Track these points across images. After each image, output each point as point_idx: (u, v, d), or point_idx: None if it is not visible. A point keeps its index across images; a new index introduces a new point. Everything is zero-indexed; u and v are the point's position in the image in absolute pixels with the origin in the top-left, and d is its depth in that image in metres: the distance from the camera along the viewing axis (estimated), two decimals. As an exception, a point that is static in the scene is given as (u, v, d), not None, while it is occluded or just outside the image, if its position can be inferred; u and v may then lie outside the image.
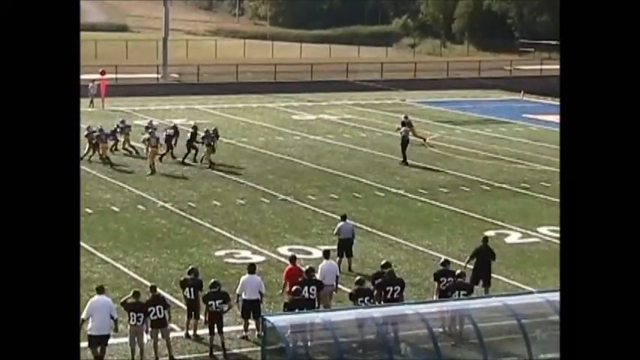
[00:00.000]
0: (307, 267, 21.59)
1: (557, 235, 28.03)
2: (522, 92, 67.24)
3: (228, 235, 29.41)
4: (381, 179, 37.83)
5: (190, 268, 21.60)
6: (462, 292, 20.57)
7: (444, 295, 21.00)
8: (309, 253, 27.09)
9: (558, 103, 46.90)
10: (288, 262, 22.87)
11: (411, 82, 74.80)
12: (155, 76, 73.10)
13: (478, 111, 59.30)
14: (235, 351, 20.43)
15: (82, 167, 36.37)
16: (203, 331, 20.65)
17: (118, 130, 42.52)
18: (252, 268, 21.37)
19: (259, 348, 19.07)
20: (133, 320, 19.36)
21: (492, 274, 23.61)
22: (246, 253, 27.32)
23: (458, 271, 21.41)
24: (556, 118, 50.71)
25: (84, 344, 18.77)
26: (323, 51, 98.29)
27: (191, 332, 21.04)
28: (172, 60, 76.10)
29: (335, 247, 25.88)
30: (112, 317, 19.28)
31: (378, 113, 57.04)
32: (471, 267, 23.50)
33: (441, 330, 19.28)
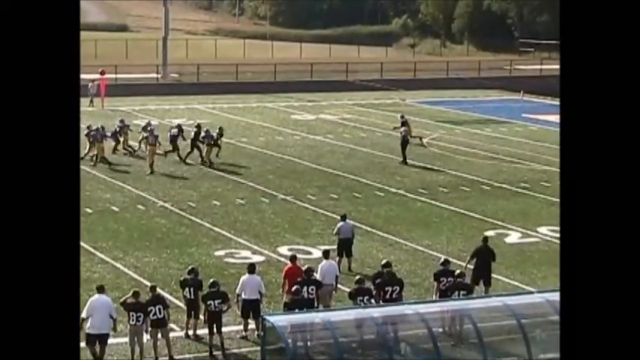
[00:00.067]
0: (306, 267, 21.59)
1: (557, 235, 28.02)
2: (522, 92, 67.24)
3: (228, 234, 29.42)
4: (381, 179, 37.83)
5: (190, 268, 21.60)
6: (461, 292, 20.57)
7: (444, 295, 21.00)
8: (309, 253, 27.09)
9: (558, 103, 46.95)
10: (288, 261, 22.87)
11: (411, 82, 74.79)
12: (155, 75, 73.10)
13: (478, 111, 59.30)
14: (235, 351, 20.43)
15: (82, 167, 36.37)
16: (203, 331, 20.65)
17: (117, 129, 42.52)
18: (251, 268, 21.38)
19: (259, 348, 19.06)
20: (133, 320, 19.35)
21: (492, 274, 23.61)
22: (246, 253, 27.32)
23: (458, 271, 21.40)
24: (556, 118, 50.72)
25: (84, 344, 18.78)
26: (323, 51, 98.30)
27: (191, 332, 21.04)
28: (172, 60, 76.10)
29: (335, 247, 25.88)
30: (111, 317, 19.29)
31: (378, 113, 57.04)
32: (471, 267, 23.50)
33: (440, 330, 19.27)
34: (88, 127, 40.40)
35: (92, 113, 51.96)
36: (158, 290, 20.91)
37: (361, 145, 45.62)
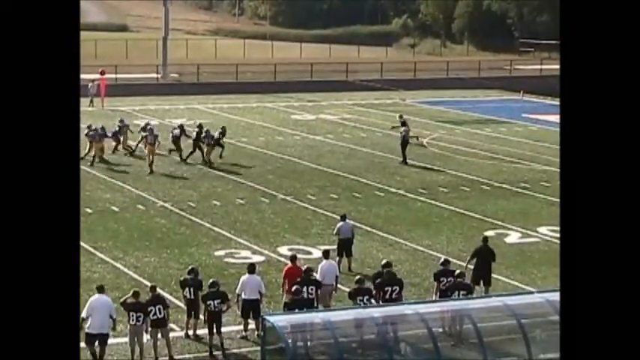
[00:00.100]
0: (305, 267, 21.60)
1: (557, 235, 28.02)
2: (522, 92, 67.24)
3: (228, 234, 29.42)
4: (381, 179, 37.83)
5: (190, 268, 21.60)
6: (461, 292, 20.56)
7: (444, 295, 21.00)
8: (309, 253, 27.09)
9: (558, 103, 46.95)
10: (288, 261, 22.87)
11: (411, 82, 74.79)
12: (155, 75, 73.10)
13: (478, 111, 59.30)
14: (235, 351, 20.43)
15: (82, 167, 36.37)
16: (203, 331, 20.66)
17: (117, 129, 42.54)
18: (251, 268, 21.38)
19: (259, 348, 19.06)
20: (133, 320, 19.35)
21: (492, 274, 23.60)
22: (246, 253, 27.33)
23: (457, 271, 21.40)
24: (556, 118, 50.72)
25: (84, 344, 18.79)
26: (323, 51, 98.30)
27: (191, 332, 21.04)
28: (172, 60, 76.09)
29: (335, 247, 25.88)
30: (111, 317, 19.29)
31: (378, 113, 57.03)
32: (471, 267, 23.50)
33: (440, 330, 19.27)
34: (89, 127, 40.40)
35: (92, 113, 51.96)
36: (158, 290, 20.92)
37: (361, 145, 45.62)
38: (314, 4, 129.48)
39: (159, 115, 54.86)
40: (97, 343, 19.17)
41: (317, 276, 21.85)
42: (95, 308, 19.18)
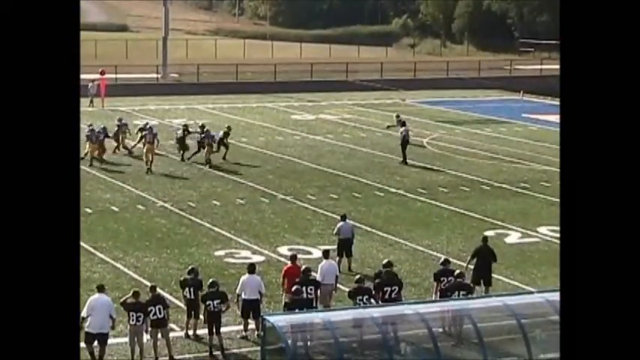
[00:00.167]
0: (304, 267, 21.61)
1: (557, 235, 28.02)
2: (522, 92, 67.23)
3: (228, 234, 29.42)
4: (381, 179, 37.83)
5: (190, 268, 21.60)
6: (461, 292, 20.56)
7: (444, 295, 21.00)
8: (309, 253, 27.09)
9: (558, 103, 46.95)
10: (288, 261, 22.87)
11: (411, 82, 74.79)
12: (155, 75, 73.10)
13: (478, 111, 59.31)
14: (235, 351, 20.43)
15: (82, 167, 36.37)
16: (203, 331, 20.65)
17: (115, 129, 42.54)
18: (251, 268, 21.38)
19: (259, 348, 19.06)
20: (133, 320, 19.35)
21: (492, 274, 23.60)
22: (246, 253, 27.33)
23: (457, 271, 21.40)
24: (556, 118, 50.72)
25: (83, 344, 18.79)
26: (323, 51, 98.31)
27: (191, 332, 21.04)
28: (172, 60, 76.09)
29: (335, 246, 25.89)
30: (110, 317, 19.29)
31: (378, 113, 57.01)
32: (472, 267, 23.50)
33: (441, 330, 19.27)
34: (90, 126, 40.38)
35: (92, 113, 51.96)
36: (158, 290, 20.91)
37: (361, 145, 45.62)
38: (314, 4, 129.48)
39: (159, 115, 54.87)
40: (96, 342, 19.17)
41: (317, 276, 21.87)
42: (95, 308, 19.18)
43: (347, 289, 21.81)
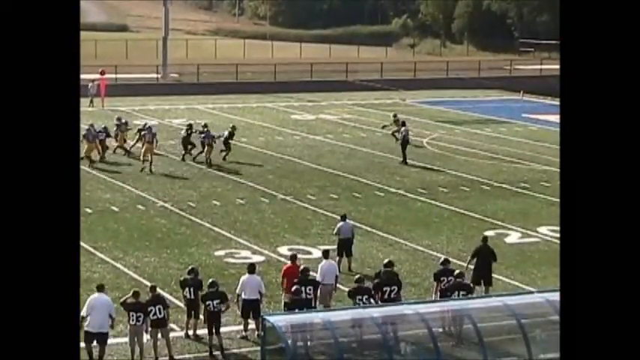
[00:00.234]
0: (302, 267, 21.62)
1: (557, 235, 28.02)
2: (522, 92, 67.24)
3: (228, 234, 29.42)
4: (381, 179, 37.83)
5: (190, 268, 21.60)
6: (461, 292, 20.56)
7: (444, 295, 21.00)
8: (309, 253, 27.09)
9: (558, 103, 46.93)
10: (288, 261, 22.87)
11: (411, 82, 74.79)
12: (155, 75, 73.10)
13: (478, 111, 59.31)
14: (235, 351, 20.44)
15: (82, 167, 36.37)
16: (203, 331, 20.66)
17: (114, 128, 42.55)
18: (251, 268, 21.38)
19: (259, 348, 19.06)
20: (133, 320, 19.35)
21: (492, 274, 23.60)
22: (246, 253, 27.33)
23: (457, 271, 21.40)
24: (556, 118, 50.72)
25: (83, 343, 18.79)
26: (323, 51, 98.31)
27: (191, 332, 21.04)
28: (172, 60, 76.09)
29: (335, 246, 25.89)
30: (110, 316, 19.29)
31: (378, 113, 57.00)
32: (472, 267, 23.50)
33: (440, 330, 19.27)
34: (91, 127, 40.39)
35: (92, 113, 51.95)
36: (158, 290, 20.91)
37: (361, 145, 45.62)
38: (314, 4, 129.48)
39: (159, 115, 54.88)
40: (95, 342, 19.17)
41: (317, 276, 21.88)
42: (95, 307, 19.18)
43: (347, 289, 21.81)
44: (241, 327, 21.15)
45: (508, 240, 29.34)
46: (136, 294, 19.67)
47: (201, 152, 40.55)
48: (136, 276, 25.09)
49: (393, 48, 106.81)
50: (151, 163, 38.52)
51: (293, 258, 22.52)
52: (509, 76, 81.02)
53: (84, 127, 38.81)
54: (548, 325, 18.41)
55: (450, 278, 21.27)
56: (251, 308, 20.82)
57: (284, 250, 27.52)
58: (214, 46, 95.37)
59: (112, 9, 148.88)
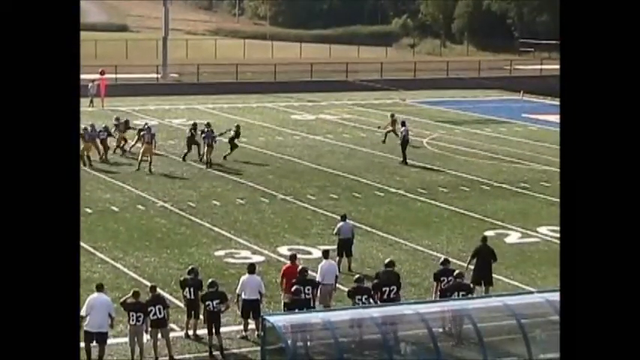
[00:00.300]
0: (300, 267, 21.62)
1: (557, 235, 28.02)
2: (522, 92, 67.23)
3: (228, 235, 29.42)
4: (380, 179, 37.83)
5: (190, 268, 21.60)
6: (461, 293, 20.56)
7: (443, 295, 21.00)
8: (309, 253, 27.09)
9: (558, 103, 46.95)
10: (288, 261, 22.86)
11: (411, 82, 74.78)
12: (155, 76, 73.10)
13: (478, 111, 59.31)
14: (235, 351, 20.44)
15: (82, 167, 36.38)
16: (203, 331, 20.65)
17: (113, 128, 42.54)
18: (251, 268, 21.38)
19: (259, 348, 19.06)
20: (133, 320, 19.35)
21: (492, 274, 23.59)
22: (246, 253, 27.32)
23: (457, 272, 21.39)
24: (556, 118, 50.71)
25: (83, 344, 18.78)
26: (323, 51, 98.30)
27: (191, 332, 21.04)
28: (172, 60, 76.09)
29: (335, 246, 25.88)
30: (109, 316, 19.29)
31: (378, 113, 56.99)
32: (472, 267, 23.50)
33: (440, 330, 19.27)
34: (92, 127, 40.39)
35: (92, 113, 51.95)
36: (158, 290, 20.91)
37: (361, 145, 45.62)
38: (314, 4, 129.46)
39: (159, 115, 54.88)
40: (95, 341, 19.17)
41: (317, 276, 21.88)
42: (94, 307, 19.18)
43: (347, 289, 21.80)
44: (241, 327, 21.16)
45: (508, 240, 29.34)
46: (136, 294, 19.67)
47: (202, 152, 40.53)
48: (135, 276, 25.09)
49: (393, 48, 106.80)
50: (150, 163, 38.52)
51: (292, 258, 22.52)
52: (509, 76, 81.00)
53: (82, 126, 38.86)
54: (548, 325, 18.41)
55: (449, 278, 21.27)
56: (251, 308, 20.82)
57: (284, 250, 27.52)
58: (214, 46, 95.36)
59: (112, 9, 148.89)
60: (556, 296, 16.99)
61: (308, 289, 20.68)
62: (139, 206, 32.85)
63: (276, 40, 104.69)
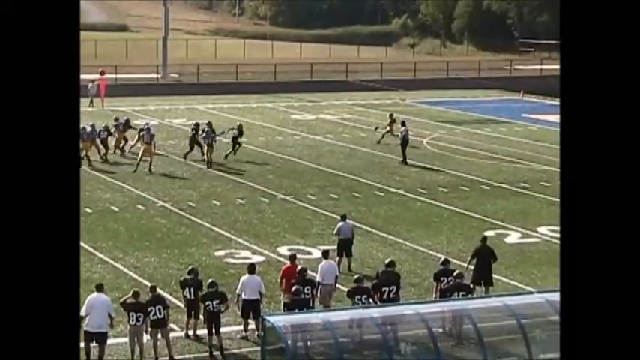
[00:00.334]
0: (299, 267, 21.62)
1: (557, 235, 28.02)
2: (522, 92, 67.24)
3: (228, 235, 29.42)
4: (380, 179, 37.84)
5: (190, 268, 21.60)
6: (461, 293, 20.56)
7: (443, 295, 21.00)
8: (309, 253, 27.10)
9: (558, 103, 46.94)
10: (288, 261, 22.86)
11: (411, 82, 74.79)
12: (155, 76, 73.10)
13: (478, 111, 59.31)
14: (235, 351, 20.44)
15: (82, 167, 36.37)
16: (203, 331, 20.65)
17: (113, 129, 42.56)
18: (251, 268, 21.38)
19: (259, 348, 19.06)
20: (133, 320, 19.35)
21: (492, 274, 23.59)
22: (246, 253, 27.33)
23: (457, 272, 21.39)
24: (556, 118, 50.72)
25: (82, 343, 18.79)
26: (323, 51, 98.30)
27: (191, 332, 21.04)
28: (172, 60, 76.09)
29: (335, 246, 25.89)
30: (109, 315, 19.29)
31: (378, 113, 56.98)
32: (472, 267, 23.50)
33: (440, 330, 19.27)
34: (92, 127, 40.40)
35: (92, 113, 51.95)
36: (158, 290, 20.91)
37: (361, 145, 45.62)
38: (314, 4, 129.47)
39: (159, 115, 54.88)
40: (95, 341, 19.17)
41: (317, 276, 21.89)
42: (94, 306, 19.17)
43: (347, 289, 21.80)
44: (241, 327, 21.16)
45: (508, 240, 29.34)
46: (135, 294, 19.67)
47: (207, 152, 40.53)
48: (135, 276, 25.09)
49: (393, 48, 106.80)
50: (150, 163, 38.51)
51: (292, 258, 22.52)
52: (509, 76, 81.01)
53: (81, 126, 38.85)
54: (548, 325, 18.40)
55: (449, 278, 21.27)
56: (251, 308, 20.82)
57: (284, 250, 27.52)
58: (214, 46, 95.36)
59: (112, 9, 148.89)
60: (556, 296, 16.99)
61: (307, 289, 20.69)
62: (139, 206, 32.85)
63: (276, 40, 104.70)
